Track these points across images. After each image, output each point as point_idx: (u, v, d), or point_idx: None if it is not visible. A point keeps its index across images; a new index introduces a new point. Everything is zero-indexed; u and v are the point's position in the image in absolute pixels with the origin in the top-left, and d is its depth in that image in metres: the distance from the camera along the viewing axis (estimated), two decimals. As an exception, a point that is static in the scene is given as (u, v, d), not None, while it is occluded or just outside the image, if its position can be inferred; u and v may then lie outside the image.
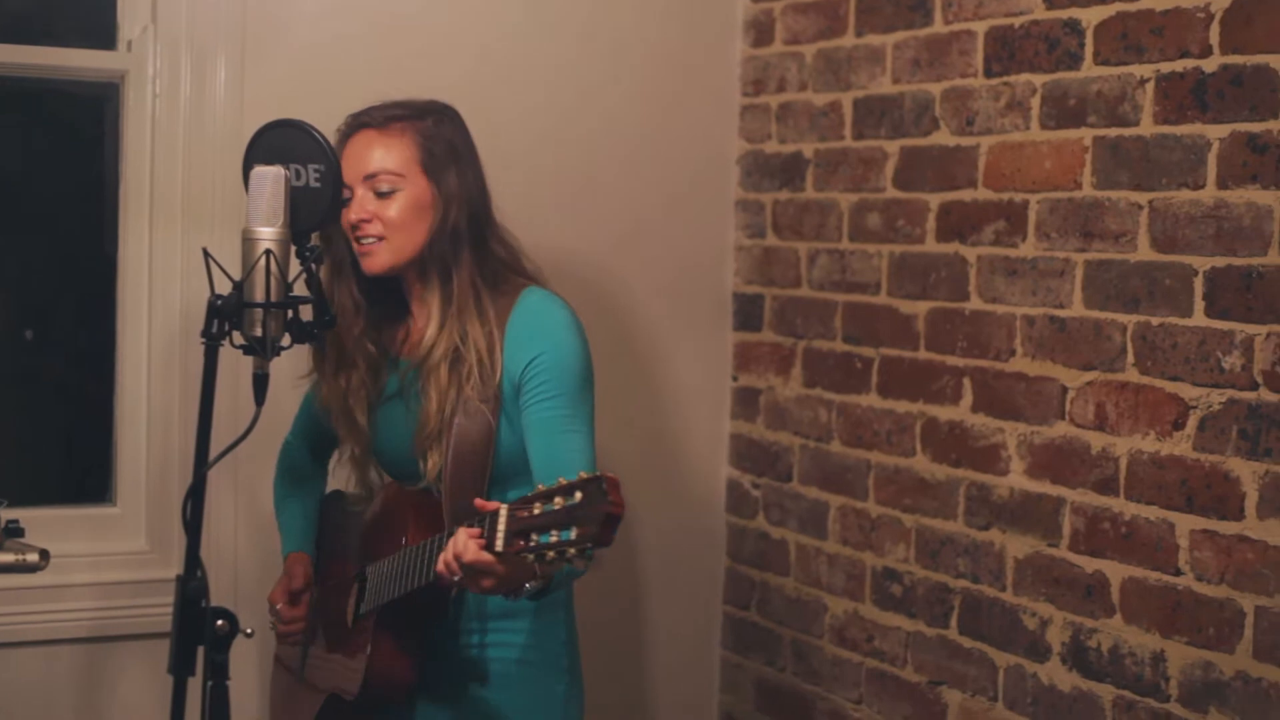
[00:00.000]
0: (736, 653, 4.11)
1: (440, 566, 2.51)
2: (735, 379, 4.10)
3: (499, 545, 2.39)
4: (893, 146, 3.59)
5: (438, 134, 2.88)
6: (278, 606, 3.00)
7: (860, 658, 3.68)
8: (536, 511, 2.34)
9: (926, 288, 3.49)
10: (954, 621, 3.42)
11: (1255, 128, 2.79)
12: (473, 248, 2.87)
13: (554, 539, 2.30)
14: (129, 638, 3.46)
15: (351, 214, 2.83)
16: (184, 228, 3.45)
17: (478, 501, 2.51)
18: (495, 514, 2.41)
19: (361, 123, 2.89)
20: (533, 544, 2.33)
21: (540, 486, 2.36)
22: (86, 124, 3.59)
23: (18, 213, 3.57)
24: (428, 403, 2.81)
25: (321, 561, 3.07)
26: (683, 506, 4.11)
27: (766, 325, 3.98)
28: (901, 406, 3.56)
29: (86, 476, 3.63)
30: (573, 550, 2.28)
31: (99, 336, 3.55)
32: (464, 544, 2.45)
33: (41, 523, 3.38)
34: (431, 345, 2.81)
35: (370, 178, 2.83)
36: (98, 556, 3.48)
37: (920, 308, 3.51)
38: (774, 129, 3.96)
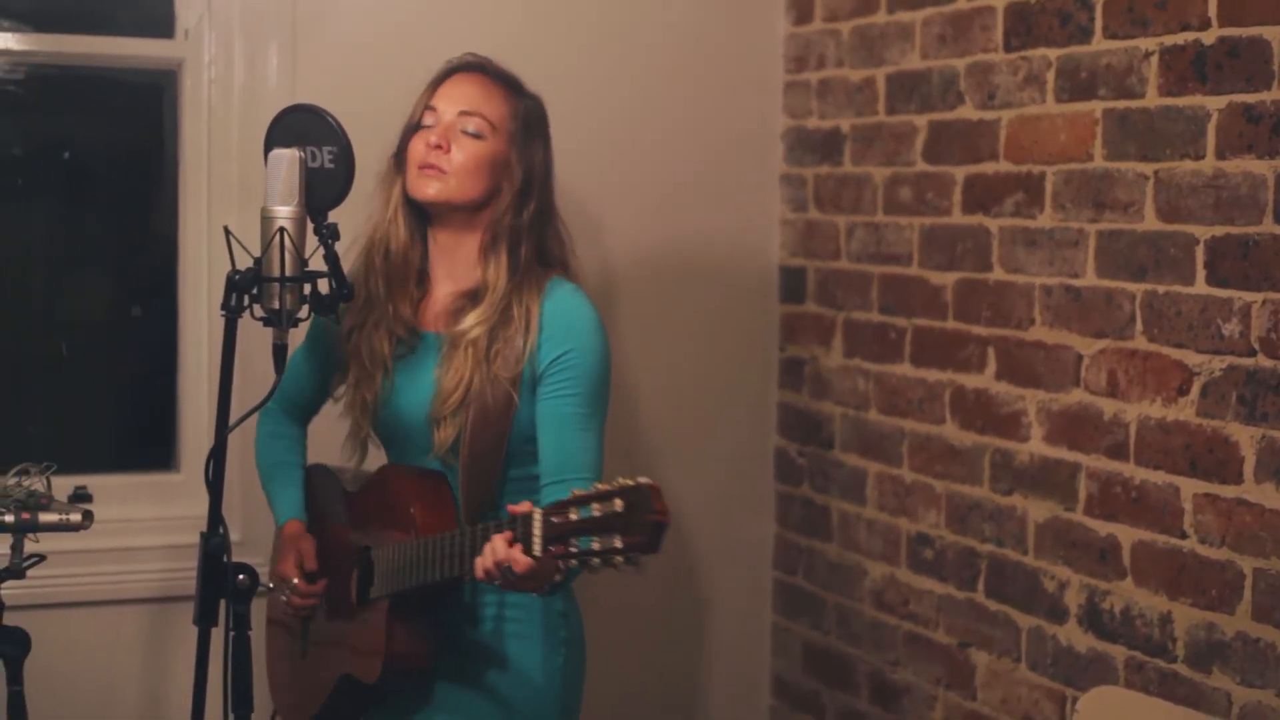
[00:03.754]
0: (786, 617, 4.21)
1: (480, 574, 2.55)
2: (783, 350, 4.20)
3: (536, 550, 2.43)
4: (921, 121, 3.67)
5: (533, 113, 2.99)
6: (294, 581, 2.97)
7: (897, 620, 3.78)
8: (573, 517, 2.36)
9: (954, 259, 3.57)
10: (981, 585, 3.51)
11: (1250, 99, 2.85)
12: (540, 227, 2.96)
13: (597, 546, 2.32)
14: (192, 598, 3.61)
15: (433, 136, 2.90)
16: (239, 207, 3.60)
17: (510, 506, 2.52)
18: (529, 518, 2.44)
19: (480, 65, 2.99)
20: (574, 550, 2.36)
21: (575, 491, 2.40)
22: (146, 110, 3.77)
23: (84, 196, 3.77)
24: (458, 367, 2.85)
25: (315, 535, 3.06)
26: (734, 475, 4.22)
27: (810, 297, 4.08)
28: (932, 375, 3.64)
29: (152, 445, 3.81)
30: (620, 559, 2.31)
31: (162, 313, 3.73)
32: (505, 553, 2.49)
33: (111, 489, 3.58)
34: (482, 311, 2.87)
35: (466, 113, 2.91)
36: (163, 520, 3.65)
37: (948, 278, 3.59)
38: (814, 105, 4.05)
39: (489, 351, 2.85)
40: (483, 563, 2.55)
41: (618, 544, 2.31)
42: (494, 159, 2.92)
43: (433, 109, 2.95)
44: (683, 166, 4.09)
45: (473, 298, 2.92)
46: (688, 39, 4.08)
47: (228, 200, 3.62)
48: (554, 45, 3.91)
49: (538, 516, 2.44)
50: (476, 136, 2.91)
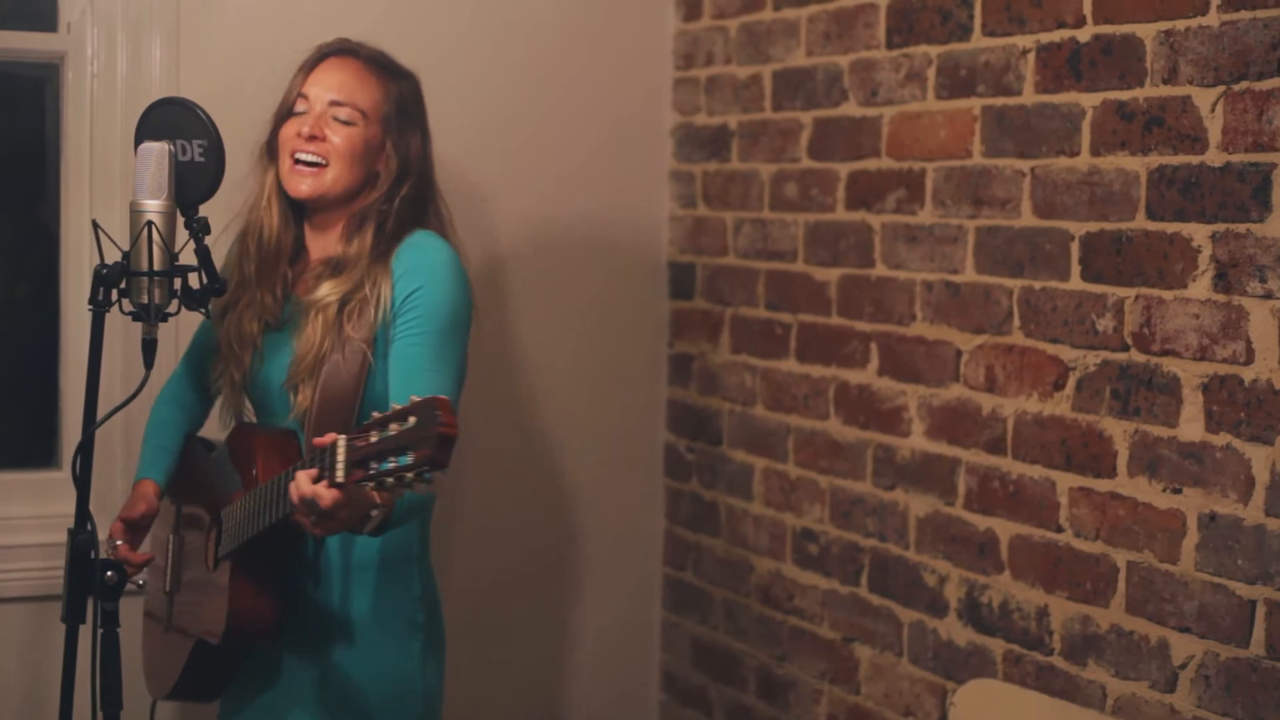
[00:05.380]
0: (675, 613, 4.22)
1: (296, 501, 2.49)
2: (671, 346, 4.21)
3: (339, 476, 2.38)
4: (807, 117, 3.68)
5: (408, 97, 2.99)
6: (118, 543, 2.94)
7: (782, 616, 3.79)
8: (374, 439, 2.33)
9: (837, 255, 3.58)
10: (864, 580, 3.52)
11: (1123, 95, 2.87)
12: (411, 209, 2.95)
13: (392, 465, 2.30)
14: (73, 596, 3.59)
15: (306, 126, 2.89)
16: (122, 202, 3.54)
17: (315, 440, 2.49)
18: (334, 446, 2.40)
19: (351, 50, 2.99)
20: (372, 472, 2.32)
21: (375, 414, 2.37)
22: (28, 104, 3.72)
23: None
24: (309, 335, 2.84)
25: (181, 505, 3.08)
26: (624, 471, 4.22)
27: (698, 293, 4.09)
28: (816, 371, 3.66)
29: (33, 442, 3.76)
30: (410, 475, 2.29)
31: (44, 308, 3.67)
32: (307, 486, 2.45)
33: (-9, 486, 3.57)
34: (338, 283, 2.86)
35: (337, 103, 2.91)
36: (44, 518, 3.59)
37: (832, 274, 3.60)
38: (703, 101, 4.06)
39: (341, 315, 2.84)
40: (295, 501, 2.51)
41: (410, 460, 2.28)
42: (368, 145, 2.93)
43: (304, 96, 2.94)
44: (572, 163, 4.08)
45: (334, 267, 2.91)
46: (577, 36, 4.07)
47: (110, 194, 3.58)
48: (441, 40, 3.89)
49: (341, 443, 2.40)
50: (348, 124, 2.91)
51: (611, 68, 4.11)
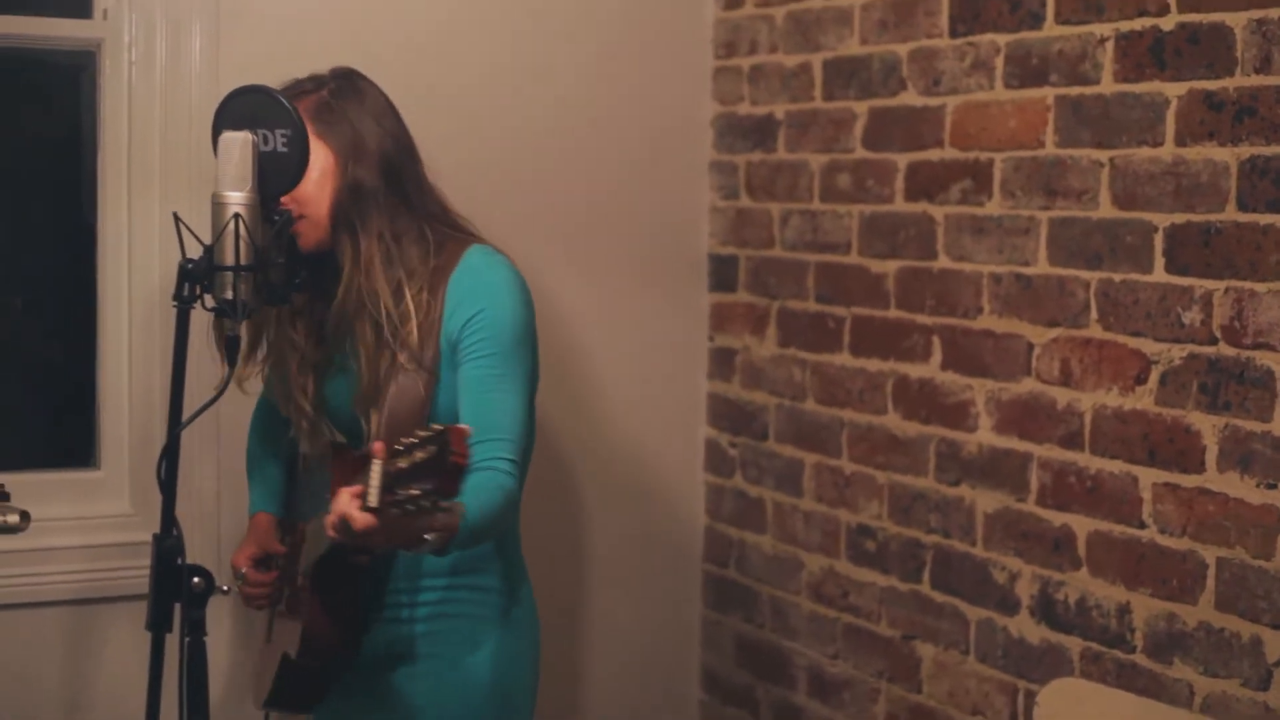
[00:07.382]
0: (717, 610, 4.16)
1: (329, 531, 2.45)
2: (712, 339, 4.15)
3: (373, 501, 2.32)
4: (861, 107, 3.63)
5: (331, 102, 2.84)
6: (243, 570, 2.97)
7: (836, 613, 3.74)
8: (403, 465, 2.30)
9: (896, 247, 3.53)
10: (926, 576, 3.47)
11: (1211, 85, 2.83)
12: (385, 204, 2.82)
13: (415, 492, 2.27)
14: (114, 599, 3.49)
15: None
16: (161, 195, 3.48)
17: (368, 448, 2.42)
18: (369, 469, 2.34)
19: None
20: (398, 497, 2.29)
21: (403, 439, 2.32)
22: (64, 93, 3.62)
23: (-2, 181, 3.62)
24: (360, 360, 2.79)
25: (292, 521, 3.07)
26: (662, 466, 4.16)
27: (741, 286, 4.03)
28: (873, 365, 3.61)
29: (71, 441, 3.67)
30: (426, 503, 2.27)
31: (81, 304, 3.58)
32: (345, 504, 2.38)
33: (27, 487, 3.43)
34: (340, 305, 2.78)
35: None
36: (83, 520, 3.52)
37: (890, 267, 3.55)
38: (746, 90, 4.00)
39: (380, 334, 2.77)
40: (329, 517, 2.45)
41: (430, 486, 2.26)
42: (321, 171, 2.79)
43: None
44: (610, 154, 4.02)
45: (357, 292, 2.80)
46: (613, 24, 4.00)
47: (149, 186, 3.50)
48: (478, 28, 3.82)
49: (377, 465, 2.33)
50: None
51: (649, 58, 4.04)
